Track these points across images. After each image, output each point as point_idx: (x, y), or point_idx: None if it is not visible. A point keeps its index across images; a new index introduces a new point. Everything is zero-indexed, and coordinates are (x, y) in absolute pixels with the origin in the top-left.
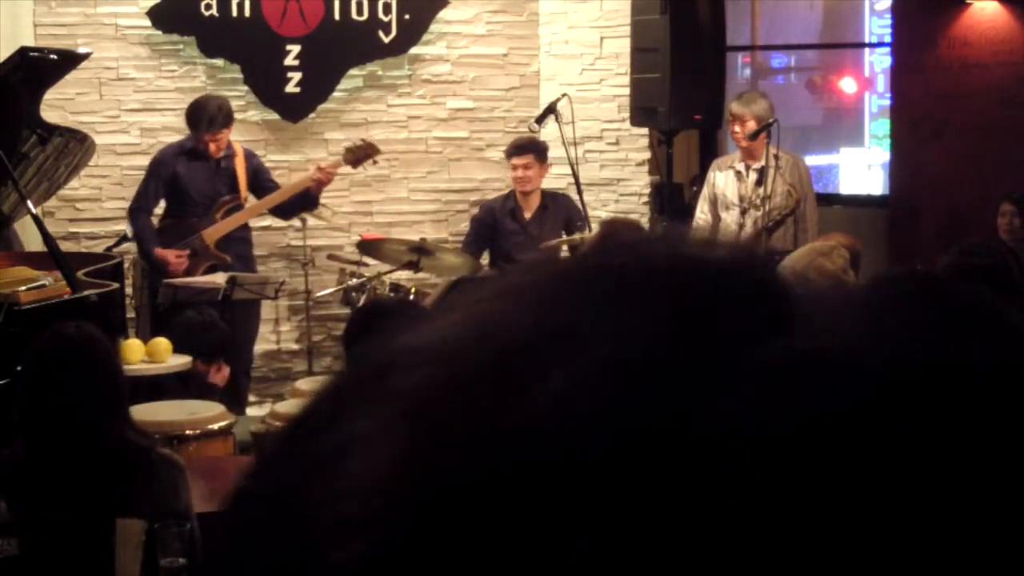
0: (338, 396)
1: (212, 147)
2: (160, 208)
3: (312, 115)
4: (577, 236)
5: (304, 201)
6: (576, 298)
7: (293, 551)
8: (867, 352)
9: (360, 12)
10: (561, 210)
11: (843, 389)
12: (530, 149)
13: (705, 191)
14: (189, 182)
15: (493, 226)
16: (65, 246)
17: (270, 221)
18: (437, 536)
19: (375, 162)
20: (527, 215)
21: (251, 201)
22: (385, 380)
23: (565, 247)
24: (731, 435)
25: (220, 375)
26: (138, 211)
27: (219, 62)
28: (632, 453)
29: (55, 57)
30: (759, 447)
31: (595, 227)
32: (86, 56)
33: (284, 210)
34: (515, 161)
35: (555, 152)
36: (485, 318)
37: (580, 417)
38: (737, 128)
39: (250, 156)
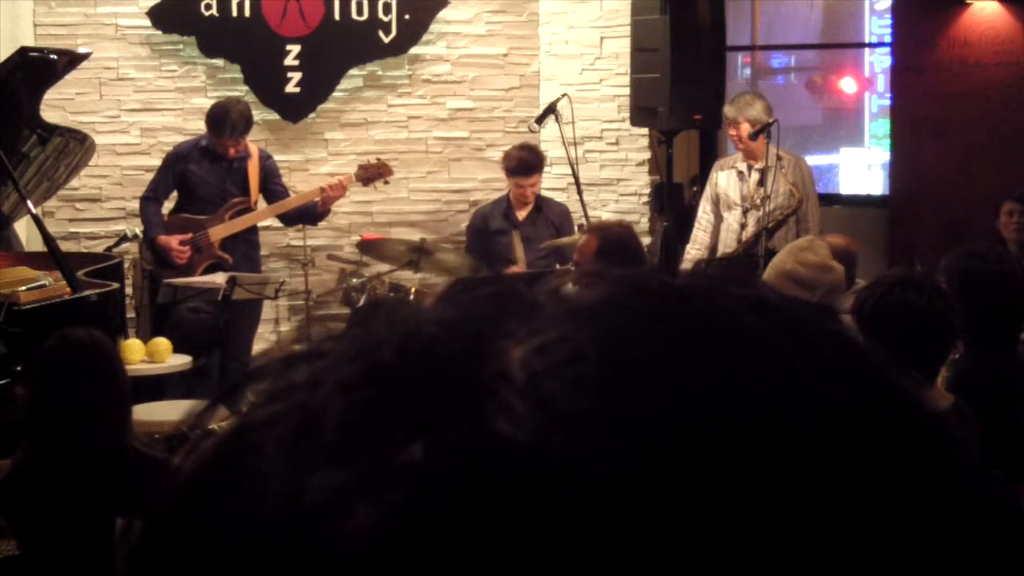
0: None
1: (231, 151)
2: (171, 202)
3: (312, 115)
4: (576, 236)
5: (308, 215)
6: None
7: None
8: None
9: (360, 12)
10: (555, 216)
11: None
12: (539, 168)
13: (707, 191)
14: (201, 180)
15: (485, 232)
16: (65, 246)
17: (270, 221)
18: None
19: (386, 182)
20: (520, 215)
21: (261, 203)
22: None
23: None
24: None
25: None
26: (149, 200)
27: (219, 62)
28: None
29: (55, 57)
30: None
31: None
32: (86, 56)
33: (288, 219)
34: (523, 181)
35: (555, 152)
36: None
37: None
38: (732, 132)
39: (264, 158)
